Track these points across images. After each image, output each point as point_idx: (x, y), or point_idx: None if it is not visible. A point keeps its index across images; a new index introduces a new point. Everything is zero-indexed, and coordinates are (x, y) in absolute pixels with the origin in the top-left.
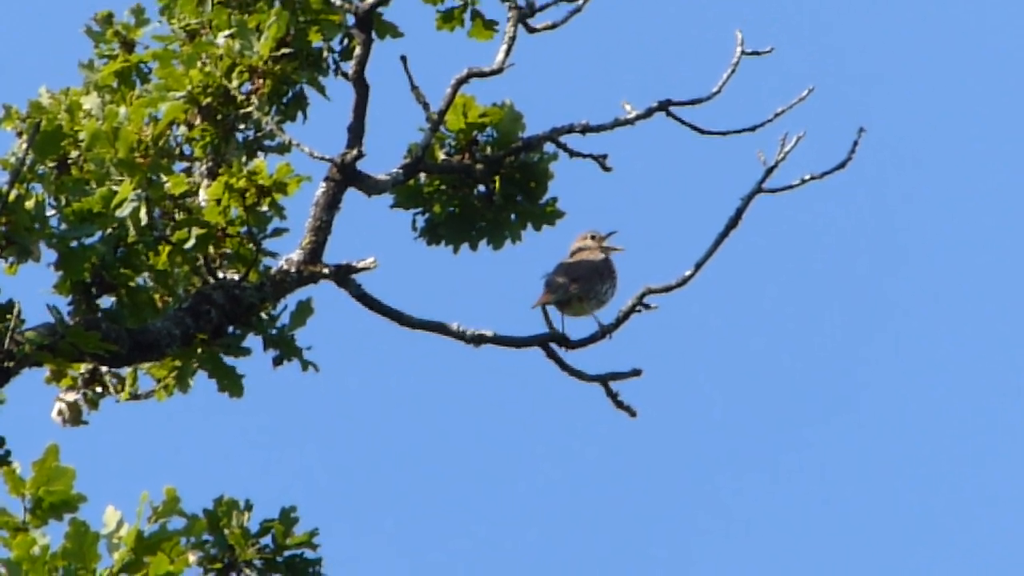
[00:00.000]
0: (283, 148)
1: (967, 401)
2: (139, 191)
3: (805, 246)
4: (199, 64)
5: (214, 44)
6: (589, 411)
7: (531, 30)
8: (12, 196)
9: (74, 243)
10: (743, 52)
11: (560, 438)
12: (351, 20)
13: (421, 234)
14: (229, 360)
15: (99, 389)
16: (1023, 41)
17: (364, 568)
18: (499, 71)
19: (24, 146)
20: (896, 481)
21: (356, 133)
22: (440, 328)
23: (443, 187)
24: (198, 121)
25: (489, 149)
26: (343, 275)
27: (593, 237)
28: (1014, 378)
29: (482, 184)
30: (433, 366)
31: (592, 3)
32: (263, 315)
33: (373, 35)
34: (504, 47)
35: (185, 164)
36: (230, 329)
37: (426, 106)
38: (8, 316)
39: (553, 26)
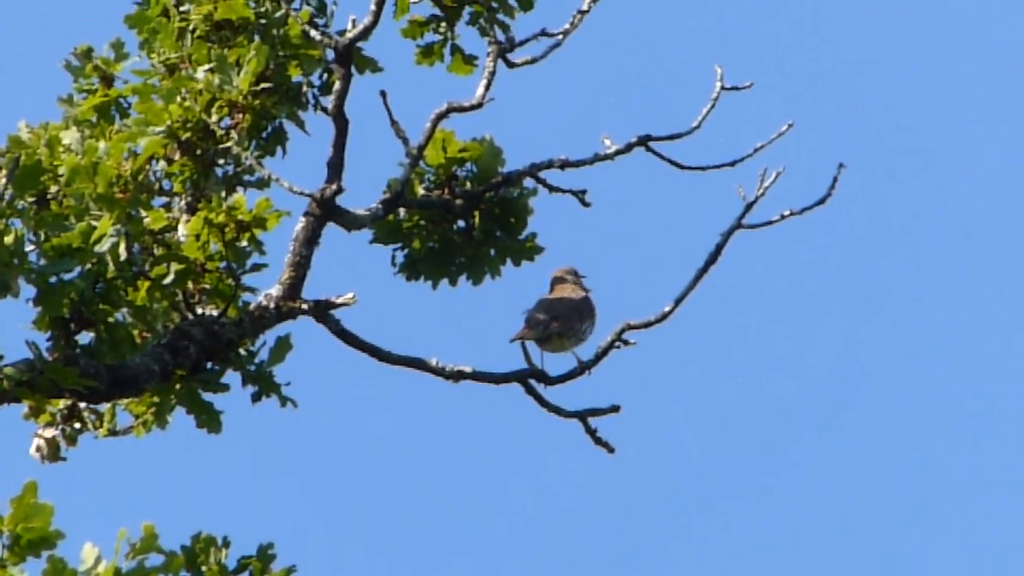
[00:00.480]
0: (262, 183)
1: (949, 440)
2: (118, 226)
3: (785, 282)
4: (179, 99)
5: (194, 79)
6: (568, 447)
7: (511, 65)
8: None
9: (53, 278)
10: (723, 87)
11: (539, 474)
12: (331, 55)
13: (400, 269)
14: (207, 396)
15: (77, 425)
16: (1006, 68)
17: None
18: (479, 106)
19: (3, 181)
20: (875, 526)
21: (335, 168)
22: (419, 364)
23: (422, 222)
24: (177, 156)
25: (469, 184)
26: (322, 311)
27: (575, 273)
28: (995, 417)
29: (462, 219)
30: (412, 402)
31: (571, 38)
32: (242, 351)
33: (352, 70)
34: (484, 82)
35: (164, 199)
36: (209, 365)
37: (405, 141)
38: None
39: (533, 61)
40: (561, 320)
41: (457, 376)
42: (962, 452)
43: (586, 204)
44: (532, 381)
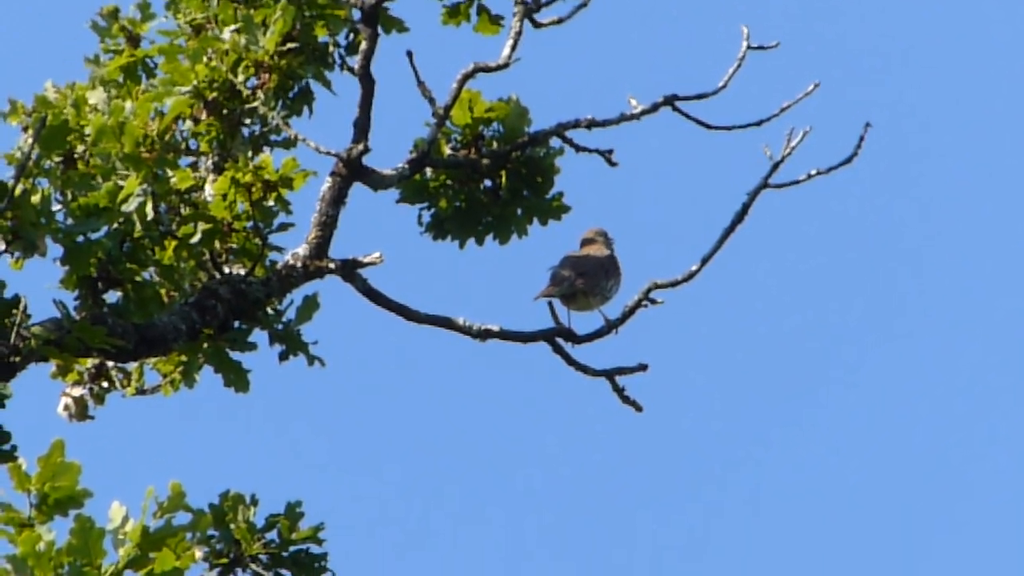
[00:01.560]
0: (289, 143)
1: (977, 397)
2: (145, 186)
3: (811, 241)
4: (205, 59)
5: (220, 39)
6: (595, 405)
7: (537, 25)
8: (18, 191)
9: (80, 238)
10: (749, 47)
11: (566, 432)
12: (357, 15)
13: (427, 229)
14: (235, 355)
15: (105, 384)
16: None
17: (370, 562)
18: (505, 66)
19: (30, 141)
20: (897, 476)
21: (362, 128)
22: (446, 323)
23: (449, 182)
24: (204, 116)
25: (495, 144)
26: (349, 270)
27: (604, 235)
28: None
29: (488, 179)
30: (439, 360)
31: None
32: (269, 310)
33: (379, 30)
34: (510, 42)
35: (191, 159)
36: (236, 324)
37: (432, 101)
38: (14, 311)
39: (559, 21)
40: (586, 277)
41: (484, 335)
42: (982, 404)
43: (613, 164)
44: (559, 340)
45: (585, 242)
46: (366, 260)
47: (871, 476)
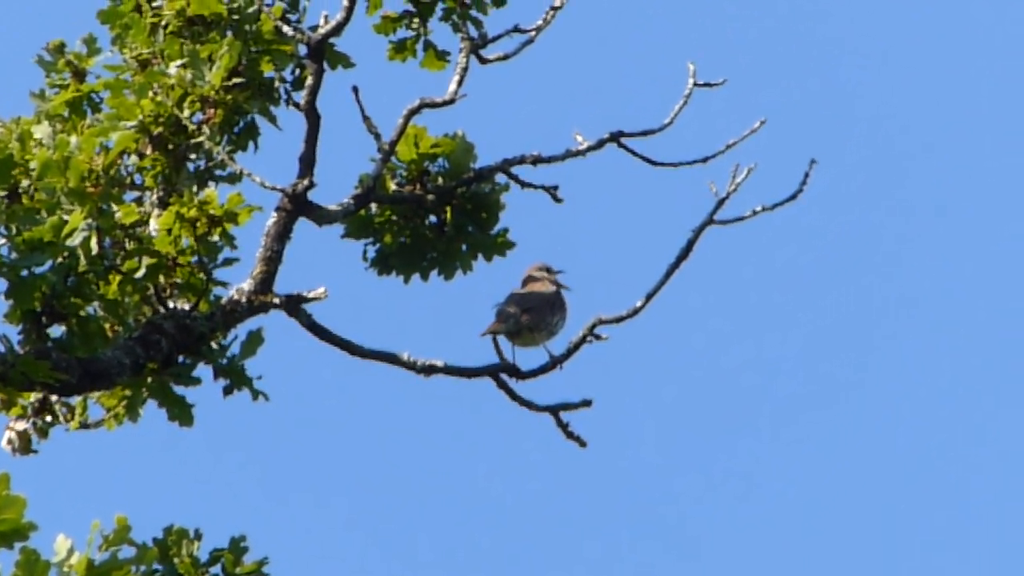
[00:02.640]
0: (234, 178)
1: (927, 441)
2: (90, 220)
3: (756, 277)
4: (151, 94)
5: (166, 74)
6: (539, 441)
7: (483, 61)
8: None
9: (24, 272)
10: (695, 83)
11: (510, 467)
12: (303, 50)
13: (372, 264)
14: (179, 389)
15: (49, 418)
16: (979, 68)
17: None
18: (451, 102)
19: None
20: (853, 499)
21: (307, 163)
22: (391, 358)
23: (394, 217)
24: (149, 151)
25: (440, 179)
26: (294, 305)
27: (548, 270)
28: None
29: (433, 214)
30: (384, 396)
31: (544, 34)
32: (213, 344)
33: (325, 65)
34: (456, 78)
35: (136, 193)
36: (180, 359)
37: (378, 136)
38: None
39: (505, 57)
40: (531, 313)
41: (428, 370)
42: (933, 458)
43: (558, 200)
44: (503, 375)
45: (528, 279)
46: (311, 295)
47: (815, 509)
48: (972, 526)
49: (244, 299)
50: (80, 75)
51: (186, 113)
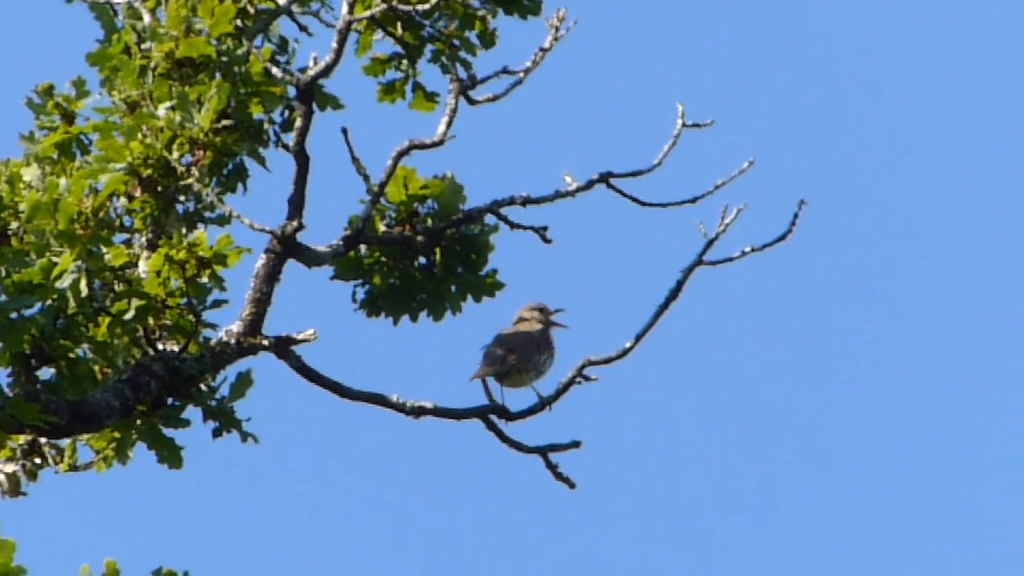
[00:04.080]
0: (223, 220)
1: (924, 482)
2: (79, 262)
3: (745, 318)
4: (139, 136)
5: (155, 116)
6: (529, 483)
7: (472, 102)
8: None
9: (14, 314)
10: (684, 124)
11: (500, 509)
12: (292, 92)
13: (361, 306)
14: (168, 432)
15: (38, 460)
16: (963, 99)
17: None
18: (440, 143)
19: None
20: (852, 547)
21: (296, 205)
22: (380, 400)
23: (383, 259)
24: (138, 193)
25: (430, 221)
26: (283, 347)
27: (541, 310)
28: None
29: (423, 256)
30: (373, 438)
31: (533, 76)
32: (203, 387)
33: (314, 107)
34: (445, 119)
35: (125, 236)
36: (169, 401)
37: (367, 178)
38: None
39: (494, 98)
40: (517, 352)
41: (418, 412)
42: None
43: (547, 241)
44: (493, 417)
45: (519, 319)
46: (300, 337)
47: (814, 550)
48: (973, 527)
49: (233, 341)
50: (69, 117)
51: (175, 155)
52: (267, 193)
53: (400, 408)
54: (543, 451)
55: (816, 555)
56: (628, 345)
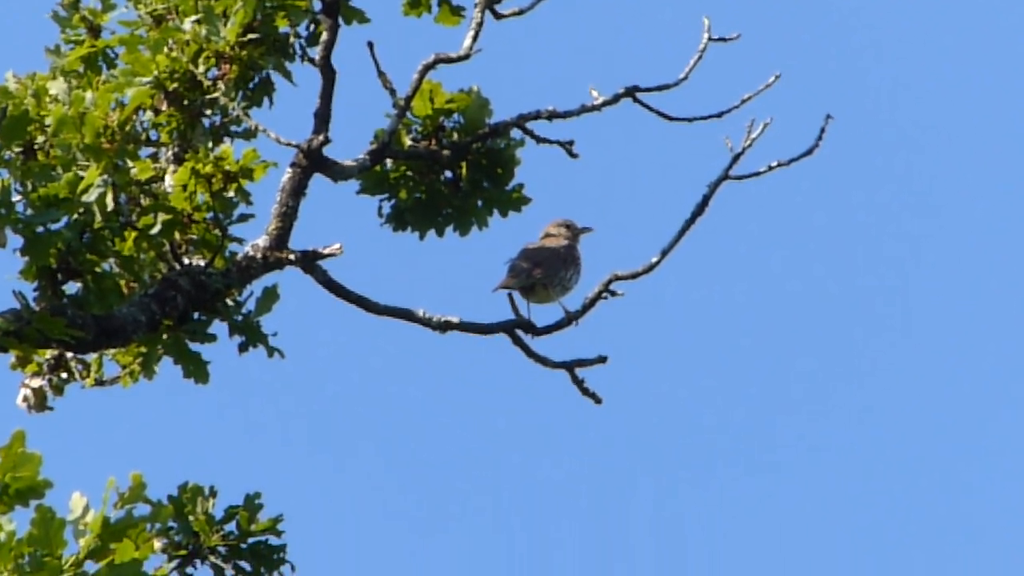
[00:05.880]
0: (249, 134)
1: (955, 395)
2: (105, 176)
3: (772, 233)
4: (165, 49)
5: (181, 29)
6: (555, 397)
7: (498, 16)
8: None
9: (40, 229)
10: (710, 38)
11: (526, 424)
12: (318, 6)
13: (387, 220)
14: (195, 346)
15: (64, 375)
16: (994, 26)
17: (329, 554)
18: (466, 57)
19: None
20: (872, 473)
21: (322, 119)
22: (406, 314)
23: (409, 173)
24: (164, 107)
25: (456, 135)
26: (309, 261)
27: (568, 227)
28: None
29: (448, 170)
30: (399, 352)
31: None
32: (229, 301)
33: (340, 21)
34: (471, 33)
35: (151, 150)
36: (196, 315)
37: (393, 92)
38: None
39: (520, 12)
40: (543, 267)
41: (444, 327)
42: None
43: (573, 155)
44: (519, 331)
45: (546, 235)
46: (326, 251)
47: (846, 471)
48: (972, 528)
49: (259, 255)
50: (95, 31)
51: (201, 69)
52: (293, 107)
53: (426, 323)
54: (569, 366)
55: (849, 465)
56: (654, 260)
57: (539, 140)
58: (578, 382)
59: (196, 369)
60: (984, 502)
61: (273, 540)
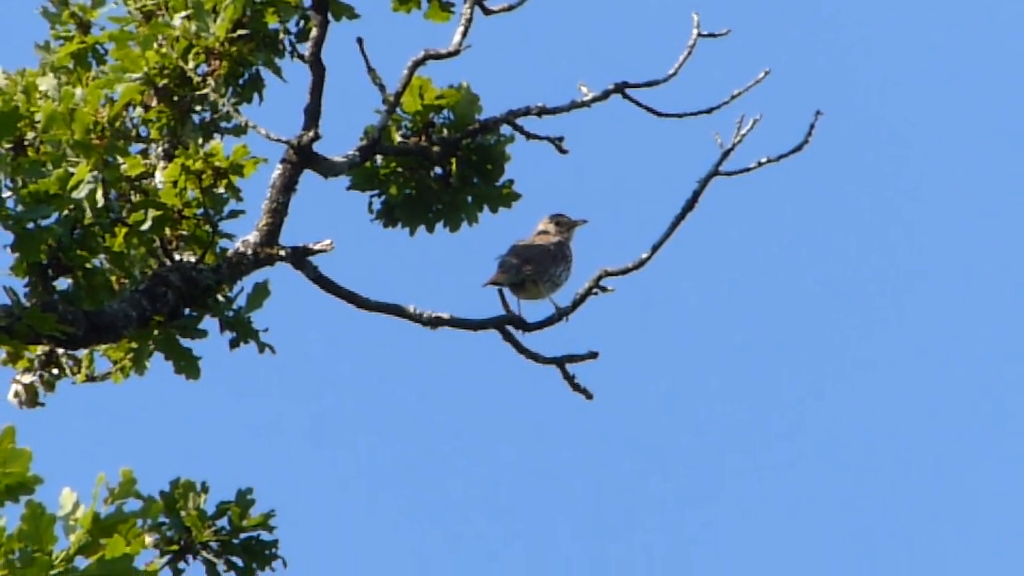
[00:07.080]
0: (239, 130)
1: (941, 387)
2: (95, 173)
3: (761, 229)
4: (155, 45)
5: (170, 25)
6: (545, 393)
7: (488, 12)
8: None
9: (30, 225)
10: (700, 34)
11: (516, 420)
12: (307, 2)
13: (377, 216)
14: (185, 342)
15: (55, 371)
16: (982, 23)
17: (320, 550)
18: (456, 53)
19: None
20: (868, 450)
21: (312, 115)
22: (397, 310)
23: (399, 169)
24: (154, 102)
25: (446, 131)
26: (300, 257)
27: (559, 222)
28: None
29: (438, 166)
30: (390, 348)
31: None
32: (219, 297)
33: (329, 16)
34: (461, 29)
35: (141, 146)
36: (186, 311)
37: (382, 88)
38: None
39: (509, 8)
40: (533, 263)
41: (434, 322)
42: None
43: (563, 151)
44: (509, 327)
45: (539, 232)
46: (316, 247)
47: (822, 465)
48: (971, 527)
49: (250, 251)
50: (85, 27)
51: (191, 65)
52: (283, 103)
53: (417, 318)
54: (560, 362)
55: (839, 460)
56: (644, 256)
57: (529, 136)
58: (569, 378)
59: (187, 365)
60: (984, 501)
61: (265, 535)
